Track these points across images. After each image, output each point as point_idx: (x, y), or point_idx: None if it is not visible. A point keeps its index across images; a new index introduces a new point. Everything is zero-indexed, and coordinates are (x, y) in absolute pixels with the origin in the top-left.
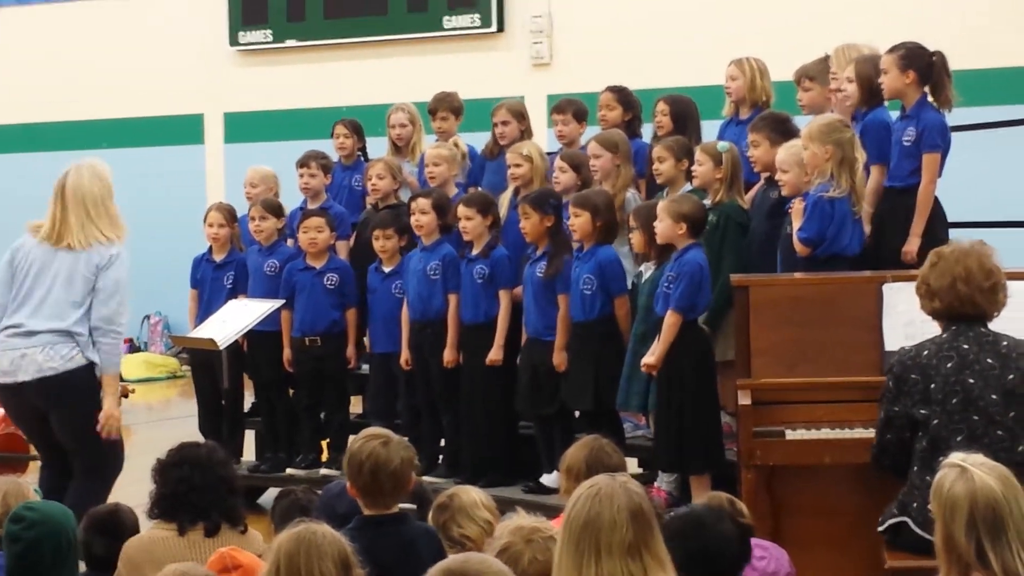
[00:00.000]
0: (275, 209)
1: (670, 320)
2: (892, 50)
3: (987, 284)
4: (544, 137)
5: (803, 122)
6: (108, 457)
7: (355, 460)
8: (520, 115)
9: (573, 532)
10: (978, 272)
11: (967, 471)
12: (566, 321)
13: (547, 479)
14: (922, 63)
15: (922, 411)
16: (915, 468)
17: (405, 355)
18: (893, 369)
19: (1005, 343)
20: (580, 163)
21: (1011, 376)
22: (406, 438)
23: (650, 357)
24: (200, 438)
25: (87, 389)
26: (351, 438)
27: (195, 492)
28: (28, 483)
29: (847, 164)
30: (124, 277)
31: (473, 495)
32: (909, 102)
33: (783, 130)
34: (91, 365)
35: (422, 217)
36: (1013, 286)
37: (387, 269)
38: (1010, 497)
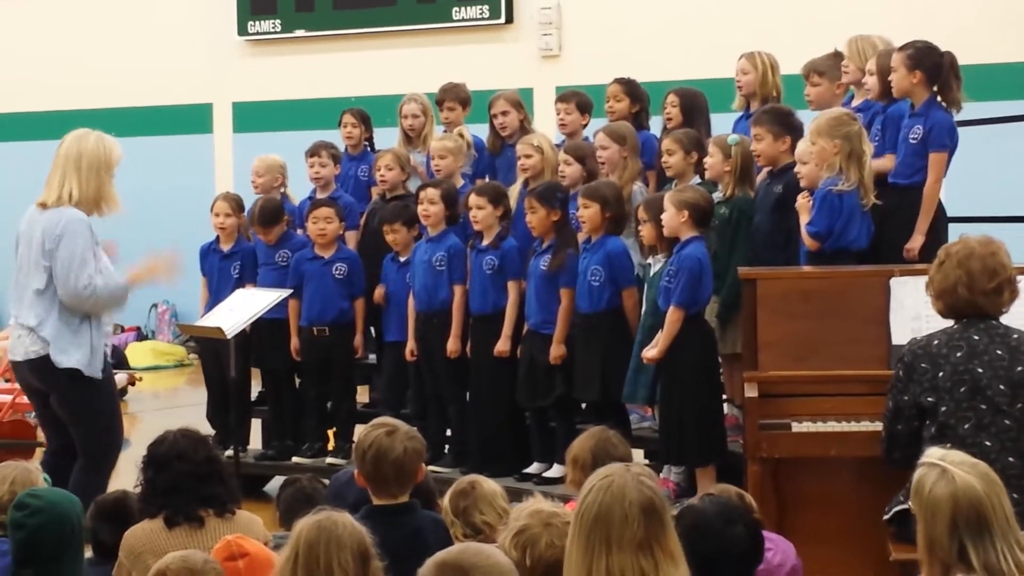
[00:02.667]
0: (274, 215)
1: (672, 316)
2: (901, 48)
3: (990, 286)
4: (552, 129)
5: (808, 116)
6: (103, 441)
7: (360, 448)
8: (518, 105)
9: (584, 525)
10: (980, 275)
11: (947, 471)
12: (567, 315)
13: (535, 468)
14: (930, 63)
15: (930, 399)
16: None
17: (411, 345)
18: (904, 358)
19: (1016, 336)
20: (584, 155)
21: (1020, 368)
22: (415, 429)
23: (651, 350)
24: (208, 426)
25: (59, 379)
26: (361, 427)
27: (163, 493)
28: (36, 469)
29: (855, 157)
30: (78, 248)
31: (493, 485)
32: (918, 101)
33: (786, 123)
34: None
35: (430, 207)
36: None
37: (403, 259)
38: (992, 495)
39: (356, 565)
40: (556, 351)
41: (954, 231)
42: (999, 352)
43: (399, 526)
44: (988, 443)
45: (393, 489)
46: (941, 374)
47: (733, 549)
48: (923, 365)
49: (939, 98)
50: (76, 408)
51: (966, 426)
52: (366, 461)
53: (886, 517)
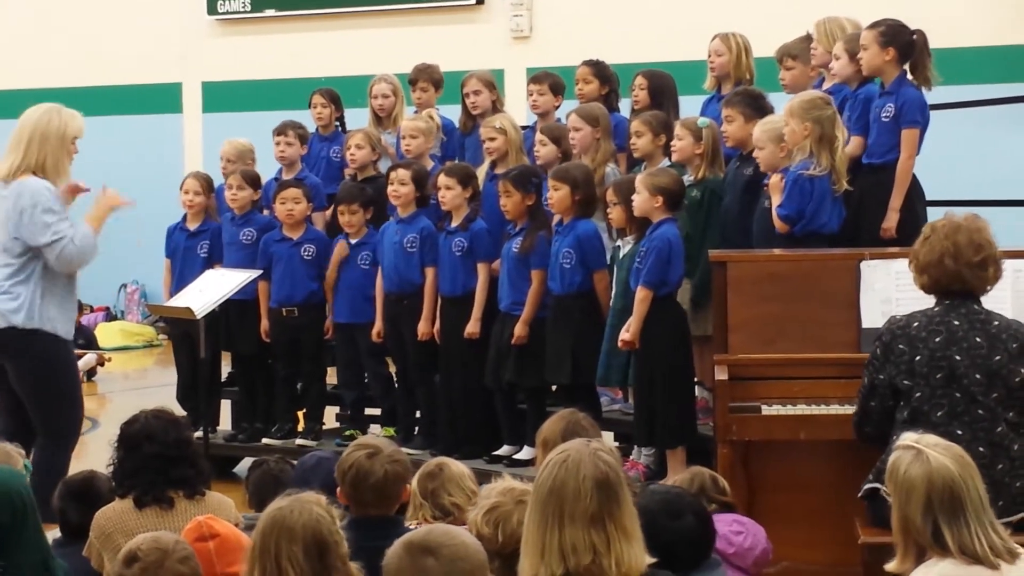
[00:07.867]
0: (253, 180)
1: (640, 295)
2: (872, 26)
3: (976, 259)
4: (523, 110)
5: (782, 100)
6: (59, 420)
7: (341, 468)
8: (491, 85)
9: (539, 498)
10: (966, 247)
11: (922, 453)
12: (537, 297)
13: (505, 450)
14: (902, 41)
15: (905, 381)
16: (894, 437)
17: (378, 326)
18: (882, 336)
19: (996, 323)
20: (560, 136)
21: (998, 357)
22: (400, 450)
23: (625, 333)
24: (177, 407)
25: (25, 352)
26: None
27: (132, 475)
28: (17, 451)
29: (827, 142)
30: (27, 204)
31: (461, 467)
32: (888, 79)
33: (757, 106)
34: (24, 330)
35: (401, 188)
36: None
37: (353, 240)
38: (967, 477)
39: (307, 559)
40: (520, 330)
41: (932, 215)
42: (978, 340)
43: (382, 538)
44: (960, 431)
45: (373, 510)
46: (918, 358)
47: (679, 541)
48: (900, 346)
49: (909, 76)
50: (34, 380)
51: (939, 413)
52: (346, 482)
53: (860, 495)
